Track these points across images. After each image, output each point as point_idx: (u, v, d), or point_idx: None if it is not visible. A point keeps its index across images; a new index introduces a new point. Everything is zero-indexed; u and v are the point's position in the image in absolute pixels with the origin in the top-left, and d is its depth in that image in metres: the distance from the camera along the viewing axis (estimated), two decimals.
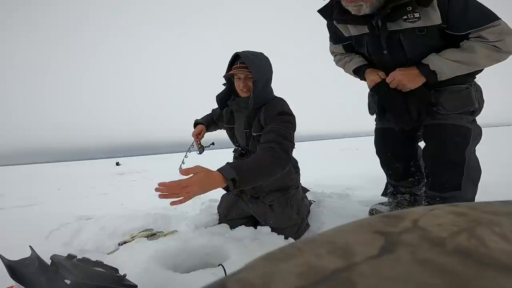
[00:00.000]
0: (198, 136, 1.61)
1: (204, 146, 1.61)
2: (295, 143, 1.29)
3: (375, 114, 1.59)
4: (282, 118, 1.26)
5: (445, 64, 1.15)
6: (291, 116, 1.30)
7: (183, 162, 1.47)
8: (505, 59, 1.14)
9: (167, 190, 0.89)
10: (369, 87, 1.43)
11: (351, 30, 1.32)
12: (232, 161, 1.14)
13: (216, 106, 1.54)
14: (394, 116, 1.35)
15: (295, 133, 1.29)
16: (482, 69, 1.25)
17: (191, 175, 0.93)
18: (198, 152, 1.60)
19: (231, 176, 0.98)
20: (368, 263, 0.18)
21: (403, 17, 1.13)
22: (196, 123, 1.69)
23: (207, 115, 1.74)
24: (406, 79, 1.21)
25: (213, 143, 1.70)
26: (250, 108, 1.32)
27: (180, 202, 0.92)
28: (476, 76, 1.30)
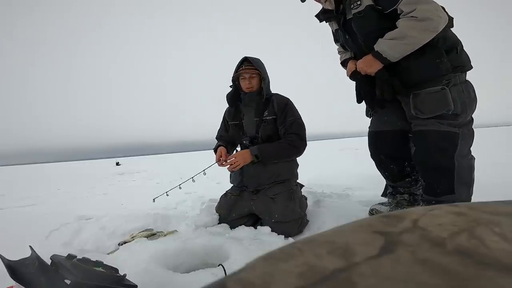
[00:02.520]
0: (220, 159, 1.59)
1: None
2: None
3: (369, 114, 1.65)
4: (292, 108, 1.61)
5: (384, 44, 1.25)
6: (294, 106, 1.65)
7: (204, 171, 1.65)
8: (435, 26, 1.16)
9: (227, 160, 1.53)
10: (347, 75, 1.53)
11: (333, 27, 1.55)
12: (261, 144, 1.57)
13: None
14: (366, 98, 1.47)
15: None
16: (453, 68, 1.22)
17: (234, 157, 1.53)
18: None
19: (254, 152, 1.50)
20: (368, 263, 0.18)
21: (351, 7, 1.34)
22: (215, 149, 1.69)
23: (219, 142, 1.74)
24: (365, 65, 1.34)
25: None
26: (260, 99, 1.61)
27: (230, 167, 1.53)
28: (453, 76, 1.24)
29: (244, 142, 1.64)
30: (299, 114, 1.62)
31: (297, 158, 1.69)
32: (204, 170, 1.64)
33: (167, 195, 1.69)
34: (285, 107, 1.58)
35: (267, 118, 1.58)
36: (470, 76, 1.33)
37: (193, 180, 1.65)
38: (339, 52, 1.67)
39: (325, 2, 1.44)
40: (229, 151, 1.69)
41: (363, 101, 1.51)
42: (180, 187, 1.69)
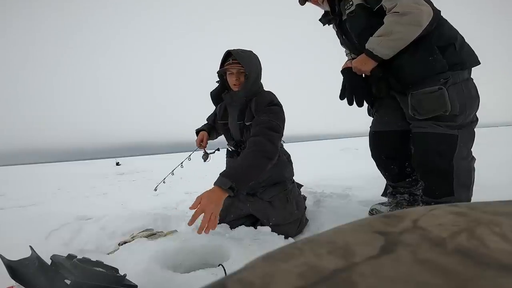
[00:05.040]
0: (201, 143, 1.59)
1: (209, 152, 1.60)
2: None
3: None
4: (271, 109, 1.33)
5: (374, 41, 1.24)
6: (280, 107, 1.38)
7: (172, 173, 1.56)
8: (418, 20, 1.14)
9: (199, 217, 1.03)
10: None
11: (334, 29, 1.54)
12: (224, 170, 1.20)
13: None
14: (349, 93, 1.45)
15: (285, 126, 1.38)
16: (448, 68, 1.18)
17: (199, 204, 1.04)
18: (204, 160, 1.58)
19: (227, 185, 1.06)
20: (368, 263, 0.18)
21: (345, 7, 1.34)
22: (198, 131, 1.69)
23: (205, 124, 1.75)
24: (359, 64, 1.33)
25: (218, 149, 1.70)
26: (242, 100, 1.40)
27: (210, 228, 1.04)
28: (452, 74, 1.19)
29: (230, 148, 1.55)
30: (280, 117, 1.33)
31: (290, 156, 1.60)
32: (189, 156, 1.61)
33: (182, 166, 1.65)
34: (262, 109, 1.33)
35: (246, 123, 1.40)
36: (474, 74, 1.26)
37: (189, 159, 1.61)
38: (346, 54, 1.68)
39: (322, 3, 1.45)
40: (211, 137, 1.64)
41: (346, 99, 1.47)
42: (182, 165, 1.66)
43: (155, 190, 1.58)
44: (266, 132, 1.24)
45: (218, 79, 1.50)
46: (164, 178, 1.59)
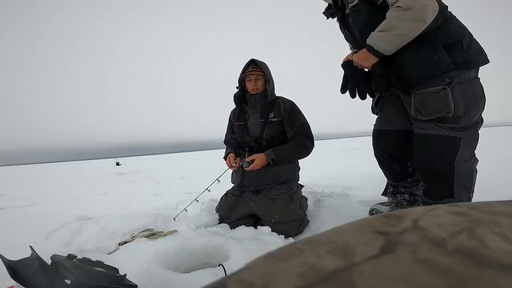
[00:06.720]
0: (233, 163, 1.62)
1: (246, 161, 1.61)
2: None
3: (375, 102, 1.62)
4: (299, 111, 1.66)
5: (375, 36, 1.21)
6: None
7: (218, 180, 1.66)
8: (421, 15, 1.09)
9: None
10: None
11: (337, 23, 1.52)
12: (275, 147, 1.59)
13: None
14: (352, 86, 1.41)
15: None
16: (452, 68, 1.14)
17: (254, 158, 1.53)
18: (245, 167, 1.59)
19: (270, 157, 1.53)
20: (368, 263, 0.18)
21: (348, 1, 1.32)
22: (226, 156, 1.72)
23: (227, 148, 1.79)
24: (360, 59, 1.30)
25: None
26: (263, 101, 1.66)
27: (252, 168, 1.51)
28: (458, 73, 1.16)
29: (249, 141, 1.65)
30: (305, 116, 1.67)
31: (299, 161, 1.72)
32: (218, 178, 1.66)
33: (209, 190, 1.70)
34: (292, 110, 1.64)
35: (273, 119, 1.62)
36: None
37: (219, 181, 1.66)
38: (350, 49, 1.63)
39: None
40: (238, 155, 1.70)
41: (347, 92, 1.44)
42: (209, 189, 1.71)
43: (174, 219, 1.70)
44: (309, 134, 1.63)
45: (238, 85, 1.71)
46: (204, 191, 1.70)
